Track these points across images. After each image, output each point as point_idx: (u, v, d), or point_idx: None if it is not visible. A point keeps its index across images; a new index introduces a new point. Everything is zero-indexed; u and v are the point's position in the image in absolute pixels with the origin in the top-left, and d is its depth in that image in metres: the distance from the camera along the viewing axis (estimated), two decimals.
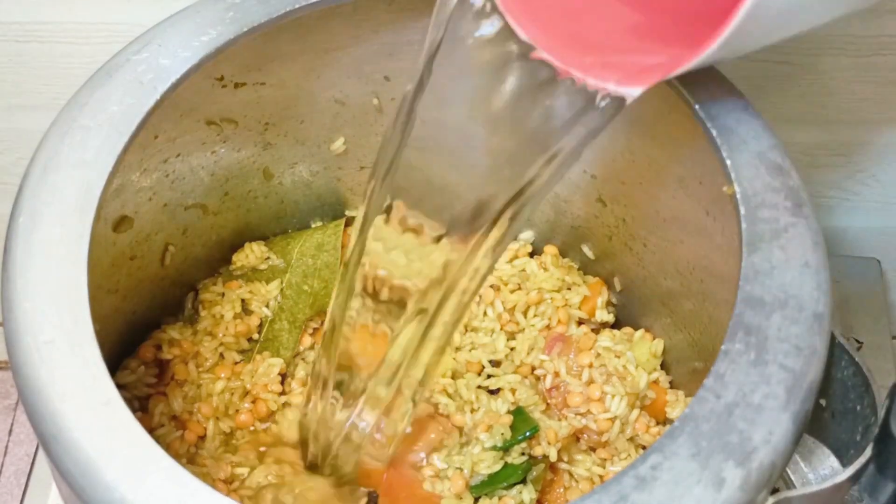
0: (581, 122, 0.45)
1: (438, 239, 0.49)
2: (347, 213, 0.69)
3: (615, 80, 0.45)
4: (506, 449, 0.58)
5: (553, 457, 0.58)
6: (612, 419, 0.58)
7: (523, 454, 0.58)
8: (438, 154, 0.49)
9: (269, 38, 0.55)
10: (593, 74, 0.45)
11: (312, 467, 0.58)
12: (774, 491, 0.42)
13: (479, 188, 0.48)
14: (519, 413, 0.59)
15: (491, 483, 0.57)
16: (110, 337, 0.58)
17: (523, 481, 0.57)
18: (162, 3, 0.56)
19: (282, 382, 0.61)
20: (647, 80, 0.44)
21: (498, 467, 0.57)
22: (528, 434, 0.58)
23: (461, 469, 0.57)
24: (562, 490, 0.59)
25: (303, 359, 0.63)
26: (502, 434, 0.58)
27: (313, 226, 0.68)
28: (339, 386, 0.55)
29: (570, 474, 0.60)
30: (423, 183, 0.49)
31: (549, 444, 0.58)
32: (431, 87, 0.47)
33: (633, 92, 0.44)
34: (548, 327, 0.63)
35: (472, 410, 0.60)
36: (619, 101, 0.45)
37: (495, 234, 0.48)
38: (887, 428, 0.42)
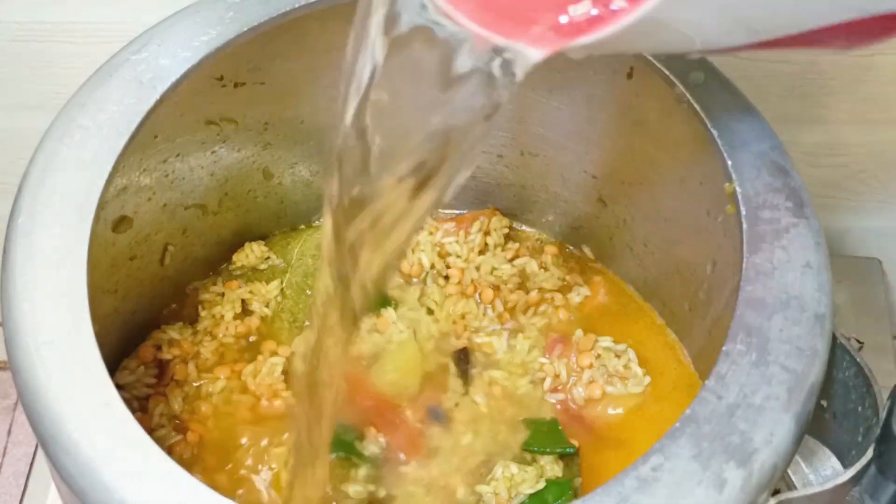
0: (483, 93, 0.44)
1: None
2: None
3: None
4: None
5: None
6: None
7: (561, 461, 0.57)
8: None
9: (269, 38, 0.55)
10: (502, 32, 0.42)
11: None
12: (776, 492, 0.42)
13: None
14: (530, 422, 0.58)
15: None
16: (110, 337, 0.57)
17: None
18: (162, 3, 0.56)
19: (284, 381, 0.61)
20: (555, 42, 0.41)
21: (541, 486, 0.55)
22: (569, 451, 0.56)
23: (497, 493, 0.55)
24: None
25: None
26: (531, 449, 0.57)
27: (313, 225, 0.68)
28: None
29: None
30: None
31: None
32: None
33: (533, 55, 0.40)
34: (548, 327, 0.63)
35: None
36: (511, 74, 0.43)
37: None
38: (889, 429, 0.42)
